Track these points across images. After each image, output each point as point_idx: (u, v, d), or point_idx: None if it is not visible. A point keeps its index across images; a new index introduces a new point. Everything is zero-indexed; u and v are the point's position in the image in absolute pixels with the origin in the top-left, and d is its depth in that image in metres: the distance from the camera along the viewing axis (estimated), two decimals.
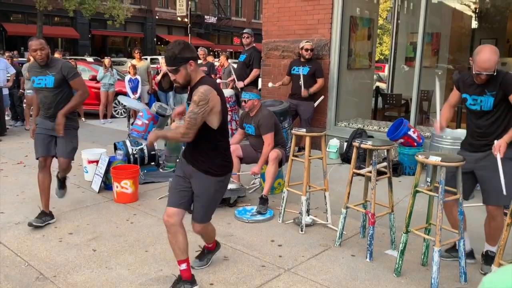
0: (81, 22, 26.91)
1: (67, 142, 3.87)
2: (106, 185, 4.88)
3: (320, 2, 6.55)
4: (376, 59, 11.11)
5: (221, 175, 2.71)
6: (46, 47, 3.70)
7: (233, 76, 7.13)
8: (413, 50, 8.19)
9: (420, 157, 2.92)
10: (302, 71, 6.25)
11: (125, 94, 9.50)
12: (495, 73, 2.87)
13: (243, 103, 4.49)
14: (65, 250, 3.42)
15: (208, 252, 3.21)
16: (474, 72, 2.92)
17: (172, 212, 2.73)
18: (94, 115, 9.93)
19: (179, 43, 2.55)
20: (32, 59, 8.40)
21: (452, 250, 3.31)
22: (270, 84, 6.49)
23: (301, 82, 6.17)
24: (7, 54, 10.50)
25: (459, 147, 3.29)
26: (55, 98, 3.78)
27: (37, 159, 3.89)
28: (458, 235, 3.04)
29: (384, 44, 25.29)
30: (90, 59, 19.39)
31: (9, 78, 8.47)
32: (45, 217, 3.91)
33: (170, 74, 2.57)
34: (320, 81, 6.29)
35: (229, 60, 10.34)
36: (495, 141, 2.86)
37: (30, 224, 3.77)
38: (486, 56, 2.84)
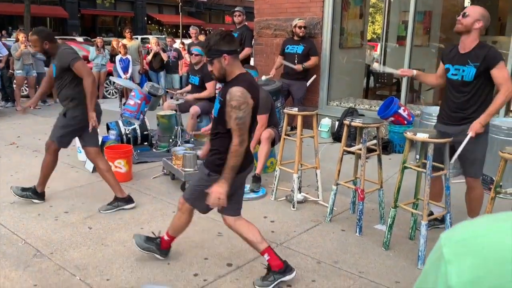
0: (70, 1, 26.45)
1: (59, 128, 3.84)
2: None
3: None
4: (368, 38, 11.10)
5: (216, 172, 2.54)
6: (38, 43, 3.63)
7: None
8: (405, 29, 8.19)
9: (408, 134, 2.99)
10: (297, 50, 6.25)
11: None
12: (465, 26, 2.99)
13: None
14: (61, 228, 3.48)
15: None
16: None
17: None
18: None
19: (217, 34, 2.44)
20: (20, 38, 8.27)
21: (430, 220, 3.42)
22: (263, 77, 6.45)
23: (293, 66, 6.18)
24: None
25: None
26: (58, 85, 3.76)
27: None
28: (445, 209, 3.14)
29: (376, 23, 25.14)
30: (80, 39, 19.12)
31: (1, 59, 8.37)
32: (29, 193, 3.95)
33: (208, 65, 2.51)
34: (314, 59, 6.30)
35: None
36: (471, 125, 3.01)
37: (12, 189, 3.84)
38: (473, 5, 3.07)
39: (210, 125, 4.20)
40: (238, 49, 2.52)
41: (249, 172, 2.70)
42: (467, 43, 3.04)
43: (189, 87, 6.13)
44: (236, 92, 2.36)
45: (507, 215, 0.53)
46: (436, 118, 4.90)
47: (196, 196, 2.65)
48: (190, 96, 5.77)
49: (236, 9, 7.00)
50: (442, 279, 0.51)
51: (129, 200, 3.90)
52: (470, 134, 2.98)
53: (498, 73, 2.95)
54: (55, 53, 3.69)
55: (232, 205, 2.65)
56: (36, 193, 3.98)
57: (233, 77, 2.46)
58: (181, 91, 6.36)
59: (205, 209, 2.70)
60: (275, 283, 2.63)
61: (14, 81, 8.78)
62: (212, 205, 2.50)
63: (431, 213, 3.39)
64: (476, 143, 3.04)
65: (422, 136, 2.92)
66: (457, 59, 3.11)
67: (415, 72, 3.42)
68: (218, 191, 2.41)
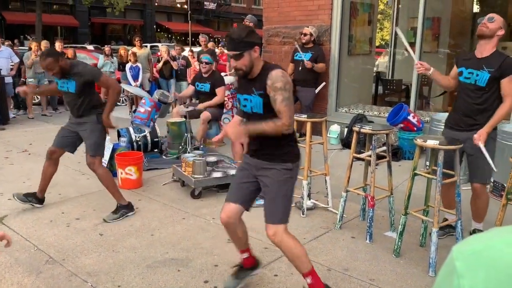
0: (80, 10, 26.75)
1: (89, 137, 3.86)
2: (111, 172, 4.94)
3: None
4: (377, 44, 11.10)
5: (291, 161, 2.41)
6: (55, 65, 3.59)
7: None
8: (414, 35, 8.18)
9: (418, 141, 2.99)
10: (304, 57, 6.29)
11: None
12: (490, 30, 2.98)
13: None
14: (73, 235, 3.51)
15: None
16: (478, 22, 3.04)
17: (230, 209, 2.53)
18: None
19: (245, 27, 2.42)
20: (32, 47, 8.39)
21: (445, 227, 3.40)
22: None
23: (304, 59, 6.21)
24: (7, 43, 10.51)
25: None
26: (78, 101, 3.79)
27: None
28: (456, 216, 3.12)
29: (384, 29, 25.13)
30: (90, 47, 19.35)
31: (12, 66, 8.51)
32: (32, 198, 4.02)
33: (231, 60, 2.37)
34: (322, 65, 6.33)
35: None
36: (475, 134, 2.99)
37: (14, 195, 3.93)
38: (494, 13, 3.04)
39: (221, 135, 4.12)
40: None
41: (297, 169, 2.48)
42: (486, 49, 3.03)
43: (189, 89, 6.12)
44: (278, 73, 2.28)
45: None
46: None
47: (287, 208, 2.42)
48: (201, 105, 5.81)
49: (247, 17, 7.08)
50: None
51: (131, 207, 3.94)
52: (481, 144, 2.96)
53: (508, 84, 2.96)
54: (68, 68, 3.68)
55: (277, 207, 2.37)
56: (38, 198, 4.07)
57: (260, 68, 2.35)
58: (181, 94, 6.33)
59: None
60: None
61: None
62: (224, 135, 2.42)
63: (445, 220, 3.37)
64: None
65: (432, 143, 2.91)
66: (471, 63, 3.10)
67: (431, 70, 3.24)
68: (238, 129, 2.34)
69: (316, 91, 6.41)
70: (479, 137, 2.97)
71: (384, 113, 6.37)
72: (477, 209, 3.26)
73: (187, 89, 6.33)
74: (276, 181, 2.37)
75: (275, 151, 2.39)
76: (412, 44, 8.07)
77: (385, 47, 14.07)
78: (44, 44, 8.98)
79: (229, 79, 7.30)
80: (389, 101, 8.30)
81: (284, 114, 2.28)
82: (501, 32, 3.01)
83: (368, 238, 3.39)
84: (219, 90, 5.78)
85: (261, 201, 4.12)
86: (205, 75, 5.91)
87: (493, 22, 2.98)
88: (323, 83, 6.44)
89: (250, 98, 2.39)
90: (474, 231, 3.32)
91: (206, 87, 5.91)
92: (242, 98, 2.45)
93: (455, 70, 3.27)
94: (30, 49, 8.86)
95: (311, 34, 6.28)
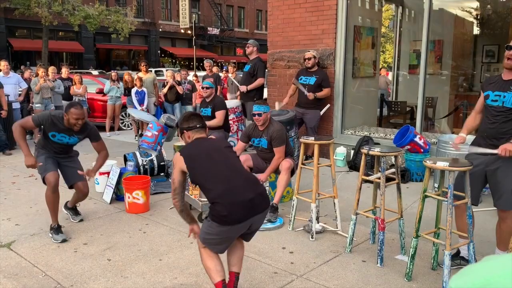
0: (85, 36, 27.26)
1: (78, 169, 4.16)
2: (118, 196, 4.95)
3: (324, 13, 6.67)
4: (380, 67, 11.22)
5: (211, 219, 2.64)
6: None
7: (236, 83, 7.29)
8: (416, 58, 8.26)
9: (428, 163, 2.98)
10: (309, 81, 6.36)
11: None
12: None
13: (256, 117, 4.49)
14: (81, 260, 3.49)
15: None
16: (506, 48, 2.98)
17: None
18: (101, 128, 10.02)
19: (183, 115, 3.03)
20: (40, 73, 8.48)
21: (455, 258, 3.31)
22: (277, 105, 6.55)
23: (305, 92, 6.27)
24: (26, 68, 10.66)
25: (467, 152, 3.33)
26: (69, 149, 4.19)
27: (43, 178, 4.07)
28: (467, 238, 3.08)
29: (387, 52, 25.44)
30: (95, 72, 19.61)
31: (20, 92, 8.62)
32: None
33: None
34: (326, 90, 6.39)
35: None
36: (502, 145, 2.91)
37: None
38: None
39: (263, 175, 4.46)
40: (198, 124, 2.88)
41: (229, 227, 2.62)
42: None
43: None
44: None
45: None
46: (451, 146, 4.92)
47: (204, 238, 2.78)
48: None
49: (248, 41, 7.21)
50: None
51: None
52: (497, 151, 2.90)
53: None
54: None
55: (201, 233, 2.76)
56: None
57: None
58: None
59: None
60: None
61: (33, 114, 8.98)
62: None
63: (458, 252, 3.31)
64: (507, 175, 2.98)
65: (442, 164, 2.91)
66: (498, 85, 3.07)
67: (466, 136, 3.29)
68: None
69: (321, 113, 6.44)
70: (502, 146, 2.88)
71: (390, 135, 6.38)
72: (500, 234, 3.18)
73: None
74: None
75: None
76: (415, 67, 8.16)
77: (388, 69, 14.18)
78: (52, 70, 9.11)
79: (234, 102, 7.38)
80: (394, 122, 8.32)
81: None
82: None
83: (379, 261, 3.35)
84: (218, 113, 5.84)
85: (269, 225, 4.10)
86: (207, 100, 5.98)
87: None
88: (328, 105, 6.48)
89: None
90: None
91: (207, 111, 5.97)
92: None
93: (482, 98, 3.22)
94: (37, 75, 8.98)
95: (314, 57, 6.36)
